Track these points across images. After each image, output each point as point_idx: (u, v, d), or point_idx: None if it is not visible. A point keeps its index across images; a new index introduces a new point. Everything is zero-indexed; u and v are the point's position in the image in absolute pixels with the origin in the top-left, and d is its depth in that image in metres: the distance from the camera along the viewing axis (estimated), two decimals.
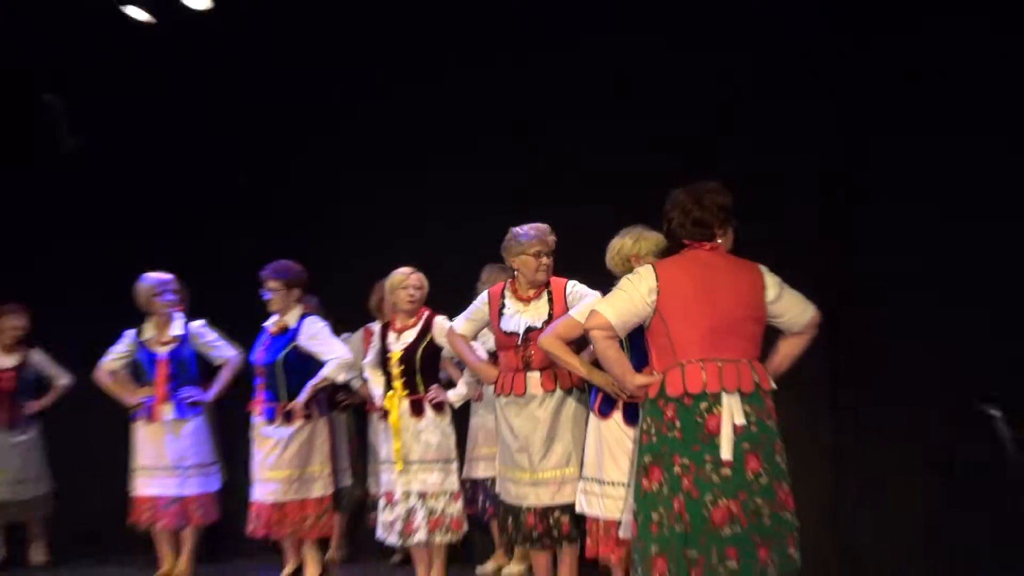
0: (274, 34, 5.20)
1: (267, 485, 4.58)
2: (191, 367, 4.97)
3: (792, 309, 3.28)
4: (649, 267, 3.26)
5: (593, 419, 3.81)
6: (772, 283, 3.24)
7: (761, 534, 3.12)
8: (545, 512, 3.96)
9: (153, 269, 4.97)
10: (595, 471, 3.78)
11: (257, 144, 5.58)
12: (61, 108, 5.43)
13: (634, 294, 3.20)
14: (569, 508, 3.91)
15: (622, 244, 3.75)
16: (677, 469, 3.15)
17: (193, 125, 5.58)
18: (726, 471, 3.13)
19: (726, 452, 3.12)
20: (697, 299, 3.17)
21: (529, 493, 3.97)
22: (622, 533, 3.57)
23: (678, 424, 3.15)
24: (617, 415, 3.70)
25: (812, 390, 4.26)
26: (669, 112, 4.62)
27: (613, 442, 3.71)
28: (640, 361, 3.29)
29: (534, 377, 3.93)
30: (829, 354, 4.10)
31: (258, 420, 4.64)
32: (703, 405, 3.13)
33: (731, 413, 3.15)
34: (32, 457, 5.50)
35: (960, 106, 4.08)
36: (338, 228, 5.50)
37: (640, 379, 3.22)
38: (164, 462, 4.88)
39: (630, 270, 3.54)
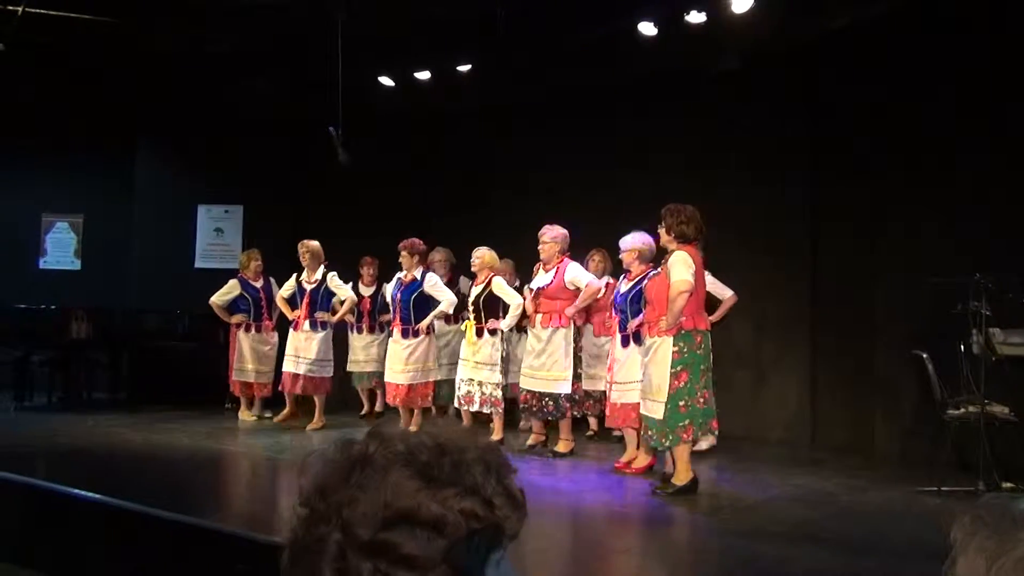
0: None
1: (402, 375, 6.96)
2: (324, 300, 7.41)
3: None
4: (685, 253, 4.90)
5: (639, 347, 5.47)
6: None
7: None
8: (538, 395, 6.24)
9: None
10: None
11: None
12: (337, 135, 7.60)
13: (691, 267, 4.85)
14: (552, 396, 6.13)
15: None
16: (702, 372, 4.90)
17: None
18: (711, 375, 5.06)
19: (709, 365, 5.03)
20: (701, 274, 4.96)
21: (529, 383, 6.30)
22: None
23: (703, 346, 4.91)
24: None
25: None
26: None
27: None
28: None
29: (539, 317, 6.29)
30: None
31: (396, 334, 7.05)
32: (709, 335, 5.06)
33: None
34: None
35: None
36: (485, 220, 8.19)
37: (678, 321, 4.88)
38: (301, 355, 7.32)
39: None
